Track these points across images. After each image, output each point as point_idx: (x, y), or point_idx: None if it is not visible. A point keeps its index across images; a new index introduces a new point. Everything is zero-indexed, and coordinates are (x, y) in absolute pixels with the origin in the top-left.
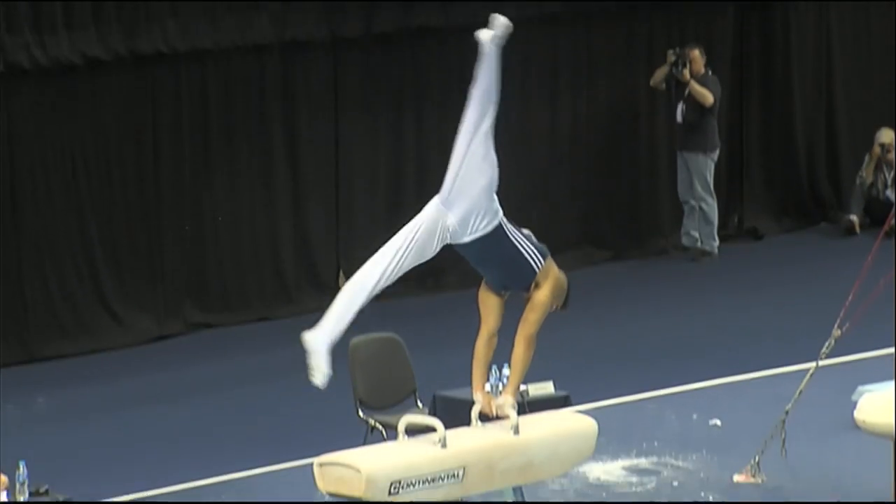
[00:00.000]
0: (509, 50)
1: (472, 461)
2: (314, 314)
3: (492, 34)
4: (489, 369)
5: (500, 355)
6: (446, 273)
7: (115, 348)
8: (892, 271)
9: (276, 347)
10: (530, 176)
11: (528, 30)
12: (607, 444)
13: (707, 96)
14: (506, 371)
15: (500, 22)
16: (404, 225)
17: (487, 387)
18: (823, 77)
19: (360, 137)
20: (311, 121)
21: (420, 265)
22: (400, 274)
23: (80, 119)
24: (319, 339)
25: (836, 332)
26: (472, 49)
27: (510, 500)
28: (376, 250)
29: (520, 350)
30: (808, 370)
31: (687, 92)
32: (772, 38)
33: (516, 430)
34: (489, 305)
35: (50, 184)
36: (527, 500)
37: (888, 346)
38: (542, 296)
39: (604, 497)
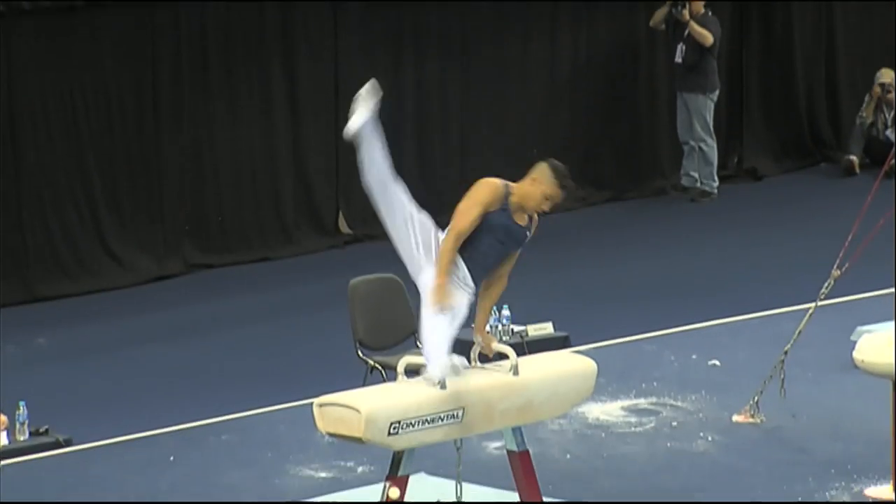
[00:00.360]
0: None
1: (471, 402)
2: (314, 254)
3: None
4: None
5: (502, 295)
6: (446, 213)
7: (115, 288)
8: (892, 210)
9: (275, 287)
10: (529, 116)
11: None
12: (606, 384)
13: (707, 36)
14: (506, 312)
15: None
16: (402, 168)
17: (486, 327)
18: (824, 16)
19: (360, 80)
20: (310, 63)
21: (420, 204)
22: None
23: (80, 60)
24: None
25: (836, 273)
26: None
27: (510, 439)
28: None
29: (444, 251)
30: (807, 310)
31: (686, 32)
32: None
33: (515, 371)
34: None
35: (50, 124)
36: (526, 440)
37: (888, 286)
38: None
39: (603, 437)
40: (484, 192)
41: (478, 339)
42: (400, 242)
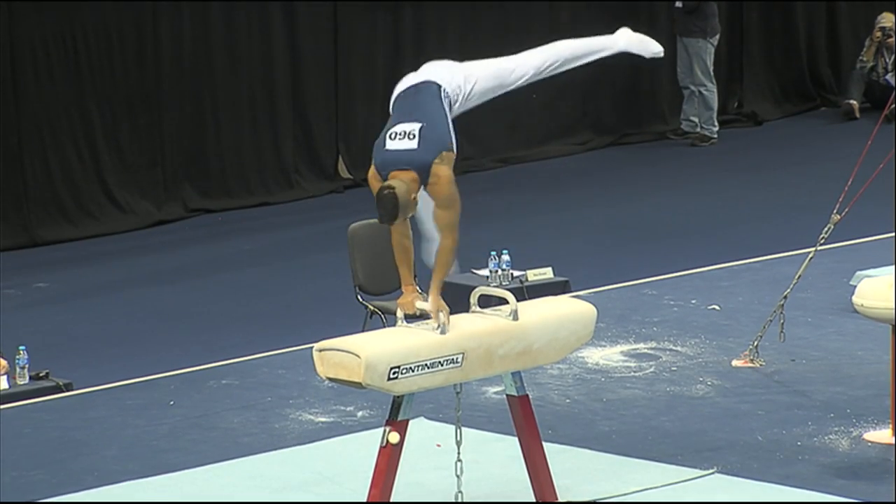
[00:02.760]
0: None
1: (471, 347)
2: (314, 199)
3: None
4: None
5: (501, 240)
6: None
7: (115, 233)
8: (892, 154)
9: (275, 232)
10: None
11: None
12: (606, 329)
13: None
14: (505, 257)
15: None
16: None
17: (485, 272)
18: None
19: (358, 20)
20: (310, 5)
21: None
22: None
23: (80, 1)
24: None
25: (835, 217)
26: None
27: (509, 384)
28: (374, 135)
29: (443, 253)
30: (807, 254)
31: None
32: None
33: (515, 316)
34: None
35: (50, 67)
36: (525, 385)
37: (887, 230)
38: (444, 185)
39: (602, 382)
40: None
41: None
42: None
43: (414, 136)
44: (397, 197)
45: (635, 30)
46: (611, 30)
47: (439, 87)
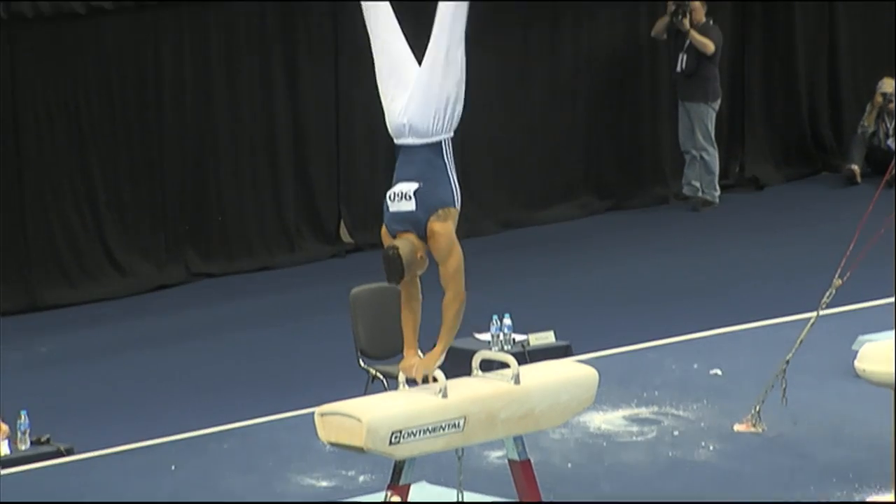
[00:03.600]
0: None
1: (473, 410)
2: (316, 263)
3: None
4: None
5: (503, 304)
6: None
7: (117, 296)
8: (892, 219)
9: (278, 295)
10: (530, 122)
11: None
12: (608, 393)
13: (708, 45)
14: (507, 321)
15: None
16: None
17: (487, 336)
18: (826, 25)
19: (361, 84)
20: (311, 67)
21: None
22: None
23: (83, 65)
24: None
25: (837, 282)
26: None
27: (511, 448)
28: (377, 199)
29: (447, 310)
30: (808, 318)
31: (688, 41)
32: None
33: (517, 380)
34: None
35: (53, 131)
36: (527, 449)
37: (889, 294)
38: (439, 240)
39: (604, 446)
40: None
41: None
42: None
43: (411, 198)
44: (401, 257)
45: (637, 95)
46: (613, 89)
47: (438, 144)
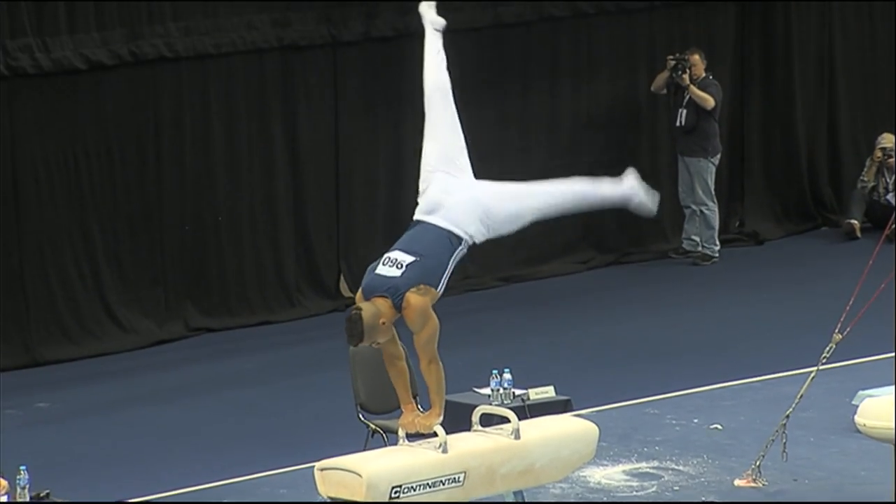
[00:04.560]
0: (510, 50)
1: (473, 465)
2: (316, 318)
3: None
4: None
5: (503, 359)
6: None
7: (116, 352)
8: (893, 275)
9: (277, 350)
10: (530, 177)
11: (528, 29)
12: (608, 447)
13: (708, 100)
14: (507, 376)
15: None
16: (404, 228)
17: (487, 390)
18: (825, 80)
19: (360, 139)
20: (311, 123)
21: None
22: None
23: (82, 122)
24: None
25: (837, 337)
26: (469, 49)
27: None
28: (377, 253)
29: (426, 375)
30: (808, 374)
31: (687, 96)
32: (773, 39)
33: (517, 435)
34: None
35: (52, 187)
36: None
37: (888, 350)
38: (412, 311)
39: (604, 501)
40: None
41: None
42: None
43: (401, 267)
44: (363, 320)
45: (636, 150)
46: (613, 143)
47: (458, 239)
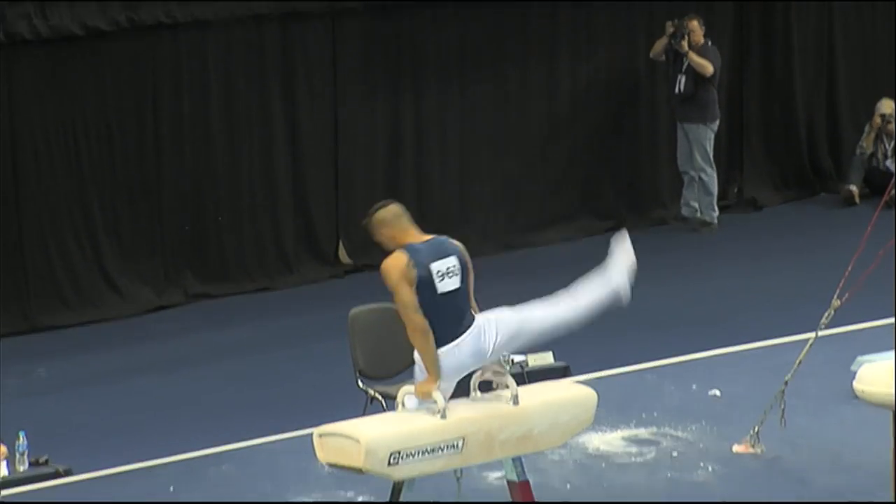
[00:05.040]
0: (509, 17)
1: (471, 432)
2: (314, 284)
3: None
4: None
5: None
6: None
7: (115, 319)
8: (892, 241)
9: (276, 317)
10: (530, 146)
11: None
12: (607, 414)
13: (706, 67)
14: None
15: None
16: (400, 194)
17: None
18: (825, 46)
19: (359, 108)
20: (310, 91)
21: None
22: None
23: (80, 89)
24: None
25: (836, 303)
26: (469, 20)
27: (510, 469)
28: None
29: (413, 342)
30: (807, 340)
31: (686, 63)
32: (772, 6)
33: (515, 401)
34: None
35: (51, 154)
36: (526, 470)
37: (888, 316)
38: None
39: (603, 467)
40: (395, 274)
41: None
42: None
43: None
44: (387, 209)
45: (635, 117)
46: (612, 110)
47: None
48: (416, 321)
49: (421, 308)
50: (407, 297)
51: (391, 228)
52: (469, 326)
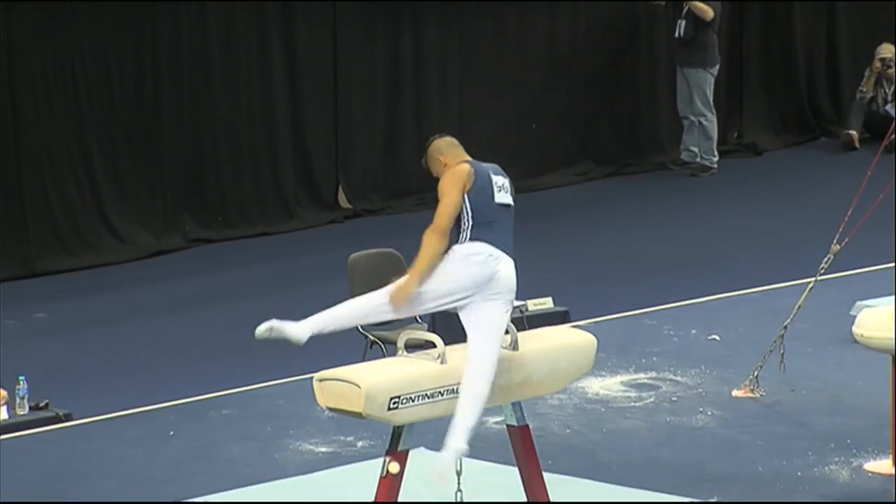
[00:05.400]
0: None
1: None
2: (314, 229)
3: None
4: None
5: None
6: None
7: (114, 263)
8: (892, 185)
9: (275, 262)
10: (529, 91)
11: None
12: (606, 359)
13: (707, 11)
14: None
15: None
16: (399, 135)
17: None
18: None
19: (358, 50)
20: (309, 33)
21: (415, 174)
22: None
23: (80, 32)
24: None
25: (835, 247)
26: None
27: (509, 414)
28: (375, 164)
29: (423, 242)
30: (806, 285)
31: (686, 8)
32: None
33: (515, 346)
34: None
35: (50, 98)
36: (525, 415)
37: (887, 260)
38: (442, 183)
39: (602, 412)
40: (454, 178)
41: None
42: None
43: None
44: (441, 138)
45: (635, 62)
46: (612, 54)
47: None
48: (444, 224)
49: (478, 211)
50: (455, 200)
51: (447, 156)
52: (508, 254)
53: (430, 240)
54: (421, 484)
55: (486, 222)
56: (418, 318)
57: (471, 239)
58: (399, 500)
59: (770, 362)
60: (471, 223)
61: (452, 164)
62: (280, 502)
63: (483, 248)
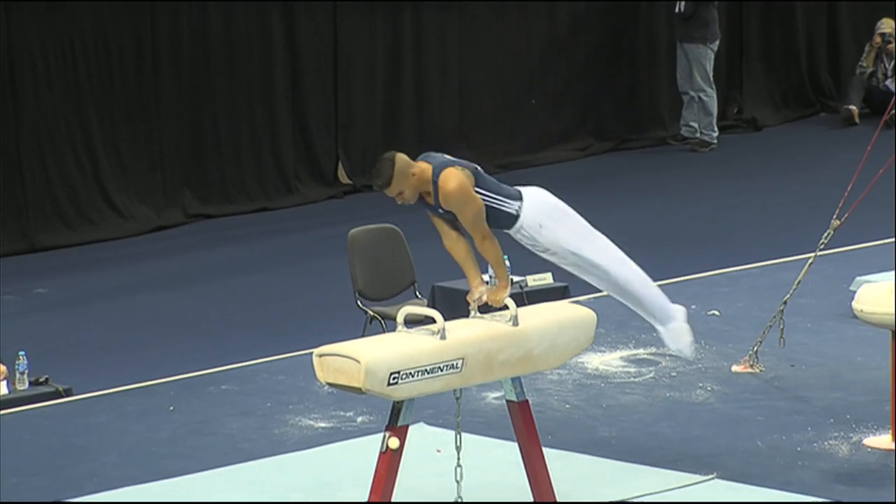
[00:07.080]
0: None
1: (470, 352)
2: (313, 204)
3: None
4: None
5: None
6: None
7: (114, 238)
8: (892, 160)
9: (275, 237)
10: (529, 66)
11: None
12: (606, 334)
13: None
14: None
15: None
16: (400, 112)
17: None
18: None
19: (359, 26)
20: (309, 9)
21: (417, 147)
22: None
23: (79, 7)
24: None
25: (835, 222)
26: None
27: (509, 389)
28: (375, 140)
29: (483, 253)
30: (806, 260)
31: None
32: None
33: (515, 321)
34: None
35: (50, 73)
36: (525, 390)
37: (887, 236)
38: (455, 194)
39: (602, 387)
40: (465, 188)
41: (481, 290)
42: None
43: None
44: (395, 162)
45: (635, 37)
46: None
47: (516, 213)
48: (485, 228)
49: (492, 186)
50: (479, 203)
51: (414, 167)
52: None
53: (487, 246)
54: (420, 459)
55: (501, 185)
56: (417, 294)
57: (517, 199)
58: (399, 474)
59: (770, 337)
60: (502, 197)
61: (419, 170)
62: (279, 477)
63: (529, 192)
